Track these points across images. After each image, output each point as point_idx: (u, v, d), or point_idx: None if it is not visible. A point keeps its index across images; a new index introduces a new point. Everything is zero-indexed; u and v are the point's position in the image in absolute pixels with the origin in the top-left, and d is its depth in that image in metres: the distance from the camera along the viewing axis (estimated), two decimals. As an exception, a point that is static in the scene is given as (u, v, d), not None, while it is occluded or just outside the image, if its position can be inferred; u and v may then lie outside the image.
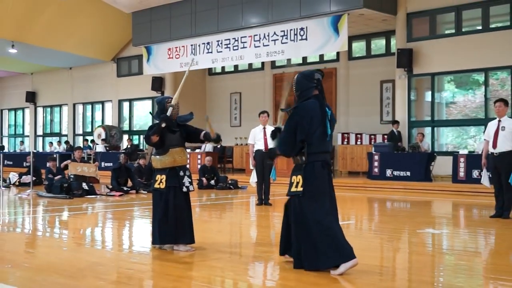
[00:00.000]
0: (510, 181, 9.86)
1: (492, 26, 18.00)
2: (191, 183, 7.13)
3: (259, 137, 12.10)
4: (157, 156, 7.11)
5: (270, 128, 12.02)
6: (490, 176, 10.37)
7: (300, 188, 5.83)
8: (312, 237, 5.73)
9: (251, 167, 12.40)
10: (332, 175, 6.28)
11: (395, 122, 18.91)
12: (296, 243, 5.87)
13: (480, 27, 18.18)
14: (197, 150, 22.36)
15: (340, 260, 5.67)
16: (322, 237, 5.69)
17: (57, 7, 23.64)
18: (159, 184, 7.04)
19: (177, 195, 7.00)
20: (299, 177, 5.86)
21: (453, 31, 18.68)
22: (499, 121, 10.12)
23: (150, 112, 8.05)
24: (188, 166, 7.35)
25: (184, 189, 7.03)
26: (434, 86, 19.14)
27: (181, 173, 7.06)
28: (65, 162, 15.64)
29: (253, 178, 12.24)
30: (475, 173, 15.54)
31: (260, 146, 12.10)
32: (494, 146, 10.05)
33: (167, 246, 7.04)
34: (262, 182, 12.20)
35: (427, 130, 19.33)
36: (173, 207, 6.96)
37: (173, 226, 6.95)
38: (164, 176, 7.01)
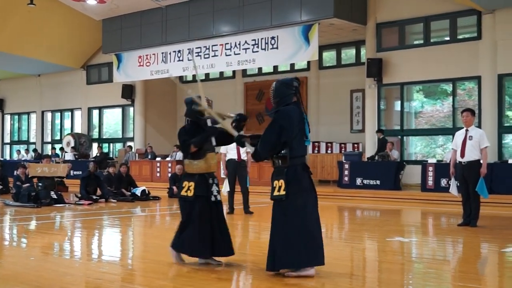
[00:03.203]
0: (477, 190, 10.00)
1: (460, 37, 18.27)
2: (218, 191, 6.72)
3: (231, 146, 12.05)
4: (192, 161, 6.66)
5: None
6: (458, 185, 10.48)
7: (283, 192, 5.95)
8: (289, 238, 5.88)
9: (223, 176, 12.37)
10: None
11: (379, 130, 18.85)
12: (272, 244, 5.98)
13: (448, 38, 18.43)
14: (168, 159, 22.26)
15: (312, 263, 5.92)
16: (301, 239, 5.87)
17: (26, 13, 23.37)
18: (186, 191, 6.60)
19: (204, 206, 6.55)
20: (281, 181, 5.99)
21: (421, 41, 18.91)
22: (467, 130, 10.25)
23: (184, 114, 7.11)
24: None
25: (213, 198, 6.60)
26: (403, 96, 19.33)
27: (210, 181, 6.65)
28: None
29: (226, 187, 12.19)
30: (443, 182, 15.71)
31: (232, 155, 12.07)
32: (462, 155, 10.18)
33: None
34: (233, 191, 12.18)
35: (397, 139, 19.50)
36: (198, 218, 6.50)
37: (192, 238, 6.51)
38: (192, 183, 6.58)
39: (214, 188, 6.65)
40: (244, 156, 12.11)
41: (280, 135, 6.01)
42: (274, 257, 5.96)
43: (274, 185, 6.05)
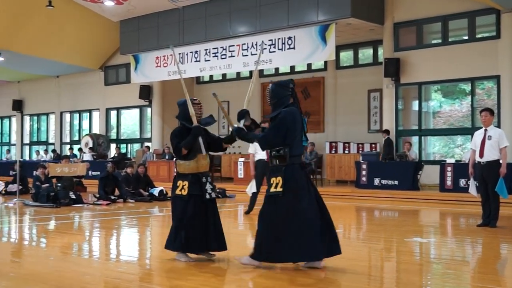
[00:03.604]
0: (497, 190, 9.92)
1: (478, 36, 18.13)
2: (213, 189, 6.93)
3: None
4: (184, 161, 6.86)
5: None
6: (477, 185, 10.41)
7: (280, 189, 6.19)
8: (281, 233, 6.13)
9: (252, 176, 12.08)
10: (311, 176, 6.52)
11: (385, 131, 18.90)
12: (259, 237, 6.30)
13: (466, 37, 18.29)
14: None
15: (305, 258, 6.21)
16: (292, 235, 6.10)
17: (45, 15, 23.55)
18: (180, 190, 6.80)
19: (198, 204, 6.77)
20: (279, 178, 6.21)
21: (439, 40, 18.79)
22: (485, 130, 10.18)
23: (176, 116, 7.46)
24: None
25: (207, 196, 6.81)
26: (421, 96, 19.22)
27: (204, 180, 6.85)
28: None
29: (252, 188, 11.91)
30: (462, 182, 15.60)
31: (262, 156, 11.71)
32: (481, 155, 10.10)
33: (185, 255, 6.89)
34: (258, 192, 11.83)
35: (415, 139, 19.40)
36: (191, 216, 6.72)
37: (185, 235, 6.72)
38: (186, 183, 6.78)
39: (208, 186, 6.87)
40: None
41: (285, 137, 6.25)
42: (261, 249, 6.24)
43: (271, 182, 6.27)
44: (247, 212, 12.09)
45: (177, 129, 7.02)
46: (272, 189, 6.24)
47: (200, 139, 6.79)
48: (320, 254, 6.22)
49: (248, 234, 10.02)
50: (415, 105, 19.62)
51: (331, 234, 6.33)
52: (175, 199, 6.92)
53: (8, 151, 33.58)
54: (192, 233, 6.72)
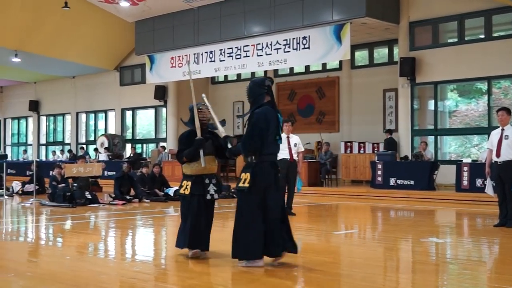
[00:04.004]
0: (514, 190, 9.84)
1: (495, 34, 18.00)
2: (216, 191, 7.14)
3: (283, 146, 11.90)
4: (189, 163, 7.12)
5: (294, 137, 11.93)
6: (494, 185, 10.33)
7: (246, 184, 6.37)
8: (243, 229, 6.34)
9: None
10: (279, 174, 6.74)
11: (388, 130, 19.21)
12: (234, 233, 6.47)
13: (483, 36, 18.17)
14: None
15: (246, 256, 6.36)
16: (246, 231, 6.32)
17: (61, 16, 23.70)
18: (184, 190, 7.10)
19: (200, 203, 7.04)
20: (248, 174, 6.39)
21: (456, 39, 18.68)
22: (502, 129, 10.10)
23: (181, 119, 7.89)
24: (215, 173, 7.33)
25: (208, 197, 7.07)
26: (437, 95, 19.13)
27: (207, 181, 7.09)
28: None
29: None
30: (478, 182, 15.49)
31: (284, 155, 11.72)
32: (498, 155, 10.02)
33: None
34: (284, 191, 11.79)
35: (430, 139, 19.31)
36: (194, 215, 7.00)
37: (189, 233, 7.00)
38: (189, 183, 7.07)
39: (211, 188, 7.10)
40: (296, 156, 11.91)
41: (261, 137, 6.38)
42: (238, 246, 6.42)
43: (241, 177, 6.46)
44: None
45: (185, 134, 7.29)
46: (240, 184, 6.43)
47: (201, 152, 7.00)
48: (280, 251, 6.39)
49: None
50: (431, 105, 19.53)
51: (288, 233, 6.52)
52: (180, 198, 7.31)
53: (25, 151, 33.85)
54: (194, 231, 6.97)
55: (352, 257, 7.46)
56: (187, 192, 7.06)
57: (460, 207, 14.30)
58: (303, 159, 14.29)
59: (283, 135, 11.94)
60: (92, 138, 30.68)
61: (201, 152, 7.00)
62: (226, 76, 26.10)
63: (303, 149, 12.16)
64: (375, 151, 20.03)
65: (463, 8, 18.15)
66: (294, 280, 6.02)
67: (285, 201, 11.97)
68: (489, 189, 10.51)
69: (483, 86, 18.88)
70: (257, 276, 6.14)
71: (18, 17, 23.38)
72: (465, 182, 15.94)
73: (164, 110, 27.03)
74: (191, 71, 7.55)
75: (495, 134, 10.21)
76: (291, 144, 11.77)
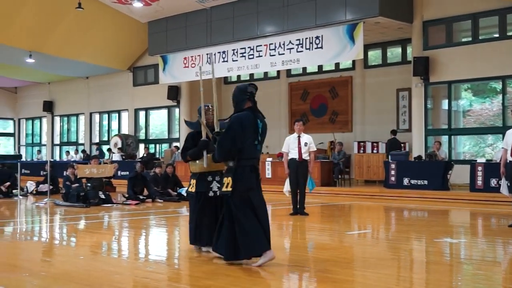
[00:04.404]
0: (529, 189, 9.77)
1: (509, 33, 17.86)
2: (220, 188, 7.20)
3: (293, 145, 11.91)
4: (194, 162, 7.40)
5: (305, 137, 11.92)
6: (509, 184, 10.26)
7: (229, 188, 6.55)
8: (240, 230, 6.45)
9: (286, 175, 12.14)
10: (260, 178, 6.85)
11: (392, 131, 19.62)
12: (224, 236, 6.60)
13: (497, 35, 18.05)
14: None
15: (255, 252, 6.49)
16: (244, 231, 6.43)
17: (74, 17, 23.82)
18: (191, 188, 7.44)
19: (203, 200, 7.30)
20: (229, 178, 6.58)
21: (469, 38, 18.57)
22: (517, 129, 10.03)
23: (184, 120, 8.27)
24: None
25: (211, 194, 7.31)
26: (451, 94, 19.02)
27: (209, 178, 7.35)
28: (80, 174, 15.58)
29: (286, 187, 12.01)
30: (493, 182, 15.39)
31: (293, 155, 11.79)
32: (513, 154, 9.96)
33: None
34: (296, 191, 11.91)
35: (444, 139, 19.21)
36: (197, 211, 7.31)
37: (194, 229, 7.37)
38: (194, 181, 7.39)
39: (214, 185, 7.35)
40: (306, 156, 11.82)
41: (234, 142, 6.51)
42: (230, 247, 6.55)
43: (224, 182, 6.68)
44: (292, 214, 11.94)
45: (192, 133, 7.63)
46: (224, 189, 6.65)
47: (205, 153, 7.27)
48: (266, 248, 6.48)
49: (279, 234, 10.02)
50: (445, 104, 19.43)
51: (267, 233, 6.58)
52: (188, 196, 7.69)
53: (39, 151, 34.06)
54: (200, 227, 7.29)
55: (365, 257, 7.43)
56: (192, 190, 7.39)
57: (474, 207, 14.21)
58: (315, 159, 14.23)
59: (294, 135, 11.95)
60: (105, 138, 30.80)
61: (205, 153, 7.25)
62: (239, 76, 26.10)
63: (315, 149, 12.11)
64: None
65: (477, 7, 18.04)
66: (308, 279, 6.00)
67: (298, 201, 12.00)
68: (504, 189, 10.44)
69: (498, 85, 18.75)
70: (270, 276, 6.14)
71: (32, 18, 23.52)
72: (479, 182, 15.85)
73: (177, 110, 27.09)
74: (213, 70, 7.71)
75: (510, 134, 10.14)
76: (301, 144, 11.75)
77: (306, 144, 11.81)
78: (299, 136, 11.83)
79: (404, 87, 20.84)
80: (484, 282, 6.07)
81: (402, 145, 19.79)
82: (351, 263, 7.15)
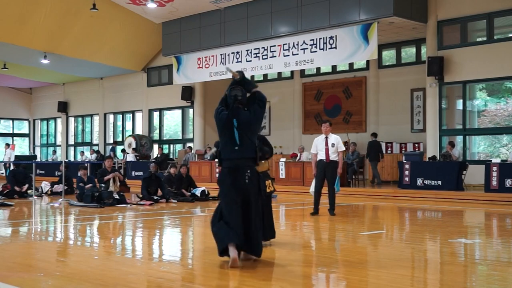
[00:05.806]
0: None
1: (525, 33, 17.77)
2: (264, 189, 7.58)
3: (320, 147, 11.92)
4: (264, 161, 7.62)
5: (332, 137, 11.93)
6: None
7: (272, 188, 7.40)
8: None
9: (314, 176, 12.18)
10: (247, 181, 6.69)
11: (372, 134, 19.95)
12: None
13: (512, 35, 17.96)
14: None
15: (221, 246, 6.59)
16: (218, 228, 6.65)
17: (88, 19, 23.95)
18: (269, 188, 7.71)
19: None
20: (270, 181, 7.31)
21: (484, 38, 18.46)
22: (533, 129, 9.96)
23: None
24: None
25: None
26: (466, 94, 18.92)
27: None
28: (108, 176, 15.59)
29: (312, 187, 12.06)
30: (508, 182, 15.30)
31: (321, 156, 11.82)
32: (528, 154, 9.89)
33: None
34: (320, 191, 11.96)
35: (459, 139, 19.11)
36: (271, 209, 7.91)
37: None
38: (269, 181, 7.70)
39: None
40: (334, 157, 11.80)
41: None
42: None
43: (266, 184, 7.32)
44: (313, 213, 11.95)
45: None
46: (268, 190, 7.34)
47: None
48: (230, 240, 6.47)
49: (319, 238, 10.01)
50: (459, 104, 19.33)
51: (248, 233, 6.60)
52: (271, 197, 8.15)
53: (55, 152, 34.27)
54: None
55: (379, 258, 7.41)
56: (271, 189, 7.76)
57: (489, 208, 14.13)
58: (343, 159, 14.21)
59: (322, 136, 11.97)
60: (119, 139, 30.94)
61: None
62: (252, 77, 26.07)
63: (343, 148, 12.13)
64: (403, 151, 19.89)
65: (491, 6, 17.94)
66: (322, 280, 5.99)
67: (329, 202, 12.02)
68: (519, 190, 10.36)
69: (513, 85, 18.64)
70: (283, 275, 6.14)
71: (47, 20, 23.68)
72: (494, 183, 15.75)
73: (191, 110, 27.16)
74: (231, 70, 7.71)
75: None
76: (329, 145, 11.78)
77: (333, 145, 11.83)
78: (326, 137, 11.87)
79: (418, 87, 20.77)
80: (499, 283, 6.03)
81: (381, 147, 20.07)
82: (365, 263, 7.13)
